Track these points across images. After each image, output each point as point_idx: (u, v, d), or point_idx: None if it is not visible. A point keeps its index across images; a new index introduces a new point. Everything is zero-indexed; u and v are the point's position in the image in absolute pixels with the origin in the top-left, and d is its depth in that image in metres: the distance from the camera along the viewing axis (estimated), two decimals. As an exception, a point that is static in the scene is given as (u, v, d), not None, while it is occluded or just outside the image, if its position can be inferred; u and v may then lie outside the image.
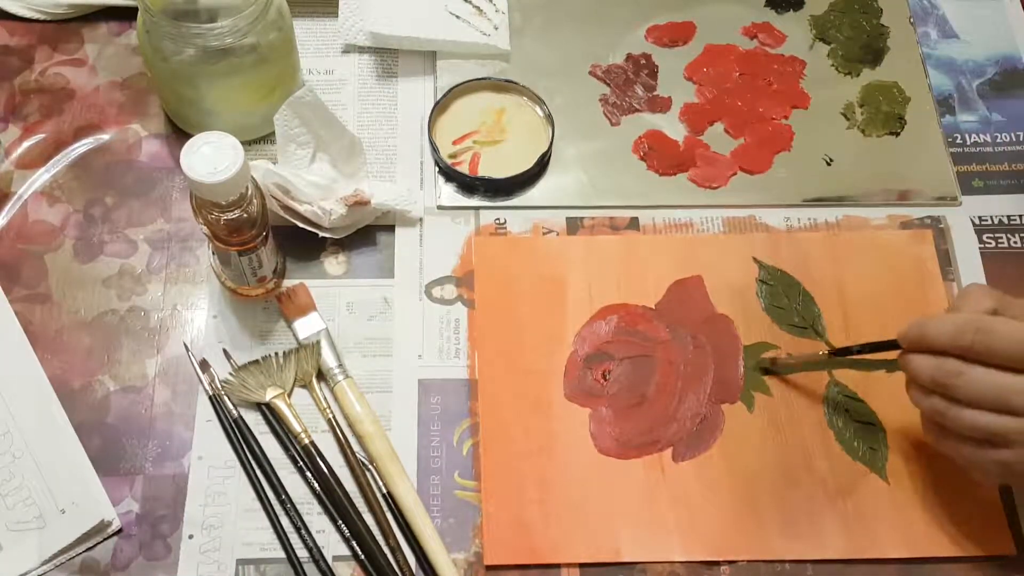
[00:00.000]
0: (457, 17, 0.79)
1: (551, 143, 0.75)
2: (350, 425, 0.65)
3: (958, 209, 0.74)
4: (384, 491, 0.63)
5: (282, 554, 0.61)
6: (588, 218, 0.73)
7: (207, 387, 0.66)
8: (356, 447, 0.64)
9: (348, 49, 0.80)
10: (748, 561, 0.62)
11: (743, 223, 0.73)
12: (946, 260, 0.72)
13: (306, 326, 0.68)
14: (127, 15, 0.79)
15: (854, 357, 0.65)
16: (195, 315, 0.69)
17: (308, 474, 0.63)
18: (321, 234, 0.70)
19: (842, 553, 0.62)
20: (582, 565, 0.62)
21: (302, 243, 0.70)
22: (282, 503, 0.63)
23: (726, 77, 0.79)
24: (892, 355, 0.60)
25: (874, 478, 0.64)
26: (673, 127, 0.77)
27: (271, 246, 0.66)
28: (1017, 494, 0.64)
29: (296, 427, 0.64)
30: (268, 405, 0.65)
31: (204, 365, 0.67)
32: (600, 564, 0.62)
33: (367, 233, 0.72)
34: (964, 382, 0.54)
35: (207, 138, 0.58)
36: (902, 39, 0.82)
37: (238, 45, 0.67)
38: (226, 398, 0.65)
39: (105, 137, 0.75)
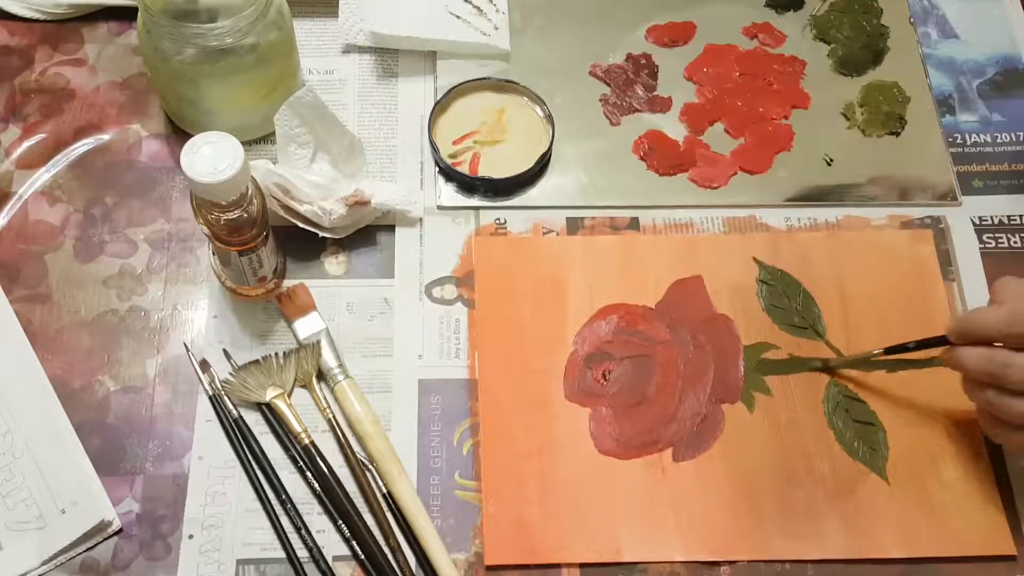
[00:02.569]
0: (457, 17, 0.79)
1: (551, 143, 0.75)
2: (350, 425, 0.65)
3: (958, 209, 0.74)
4: (384, 491, 0.63)
5: (282, 554, 0.61)
6: (588, 218, 0.73)
7: (207, 387, 0.66)
8: (356, 447, 0.64)
9: (348, 49, 0.80)
10: (748, 561, 0.62)
11: (743, 223, 0.73)
12: (946, 260, 0.72)
13: (306, 326, 0.68)
14: (127, 15, 0.79)
15: (908, 356, 0.65)
16: (195, 315, 0.69)
17: (308, 474, 0.63)
18: (321, 234, 0.70)
19: (842, 553, 0.62)
20: (582, 565, 0.62)
21: (302, 243, 0.70)
22: (282, 503, 0.63)
23: (726, 77, 0.79)
24: (934, 352, 0.61)
25: (874, 478, 0.64)
26: (673, 127, 0.77)
27: (271, 246, 0.66)
28: (1017, 494, 0.64)
29: (296, 427, 0.64)
30: (268, 405, 0.65)
31: (204, 365, 0.67)
32: (600, 564, 0.62)
33: (367, 233, 0.72)
34: (1014, 372, 0.55)
35: (207, 138, 0.58)
36: (902, 39, 0.82)
37: (238, 45, 0.67)
38: (226, 398, 0.65)
39: (105, 137, 0.75)
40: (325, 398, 0.66)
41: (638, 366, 0.68)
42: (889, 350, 0.64)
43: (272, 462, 0.64)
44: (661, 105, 0.78)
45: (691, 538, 0.63)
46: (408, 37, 0.78)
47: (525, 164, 0.73)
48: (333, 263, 0.71)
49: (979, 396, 0.58)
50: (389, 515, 0.63)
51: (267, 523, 0.62)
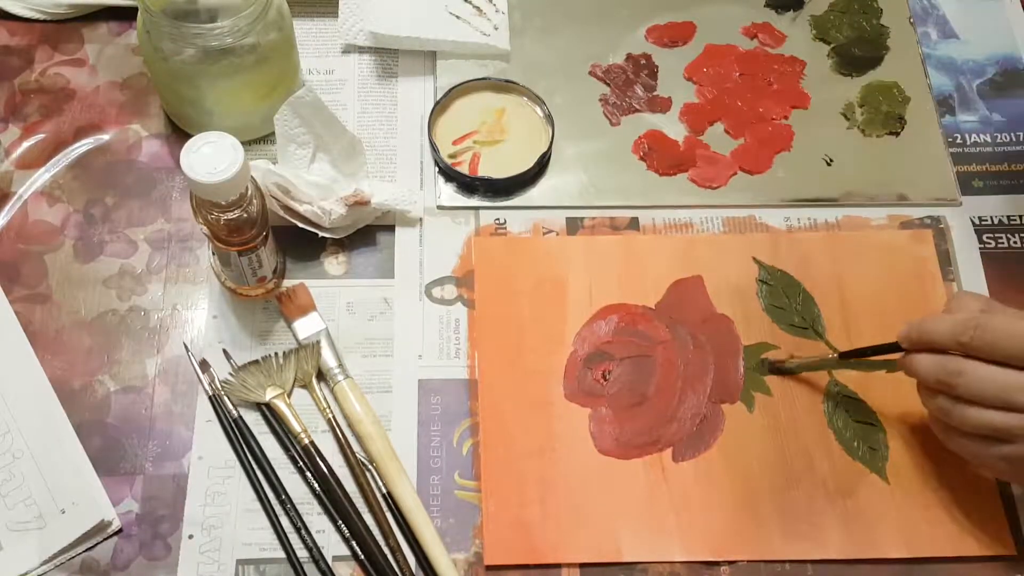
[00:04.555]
0: (457, 17, 0.79)
1: (551, 143, 0.75)
2: (350, 425, 0.65)
3: (958, 209, 0.74)
4: (384, 491, 0.63)
5: (282, 554, 0.61)
6: (588, 218, 0.73)
7: (207, 387, 0.66)
8: (356, 447, 0.64)
9: (348, 49, 0.80)
10: (748, 561, 0.62)
11: (743, 223, 0.73)
12: (946, 260, 0.72)
13: (306, 326, 0.68)
14: (127, 15, 0.79)
15: (860, 360, 0.65)
16: (195, 315, 0.69)
17: (308, 474, 0.63)
18: (321, 234, 0.70)
19: (842, 553, 0.62)
20: (582, 565, 0.62)
21: (302, 243, 0.70)
22: (282, 503, 0.63)
23: (726, 77, 0.79)
24: (896, 356, 0.60)
25: (874, 478, 0.64)
26: (673, 127, 0.77)
27: (271, 246, 0.66)
28: (1017, 494, 0.64)
29: (296, 427, 0.64)
30: (268, 405, 0.65)
31: (204, 365, 0.67)
32: (600, 564, 0.62)
33: (367, 233, 0.72)
34: (965, 381, 0.55)
35: (207, 138, 0.58)
36: (902, 39, 0.82)
37: (238, 45, 0.67)
38: (226, 398, 0.65)
39: (105, 137, 0.75)
40: (325, 398, 0.66)
41: (638, 366, 0.68)
42: (844, 355, 0.64)
43: (272, 462, 0.64)
44: (661, 105, 0.78)
45: (691, 538, 0.63)
46: (408, 37, 0.78)
47: (525, 164, 0.73)
48: (333, 263, 0.71)
49: (931, 403, 0.58)
50: (389, 515, 0.63)
51: (267, 523, 0.62)
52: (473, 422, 0.66)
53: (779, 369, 0.67)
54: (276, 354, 0.66)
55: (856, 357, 0.64)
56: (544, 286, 0.70)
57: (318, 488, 0.63)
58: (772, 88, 0.79)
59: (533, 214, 0.73)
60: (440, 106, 0.76)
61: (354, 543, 0.61)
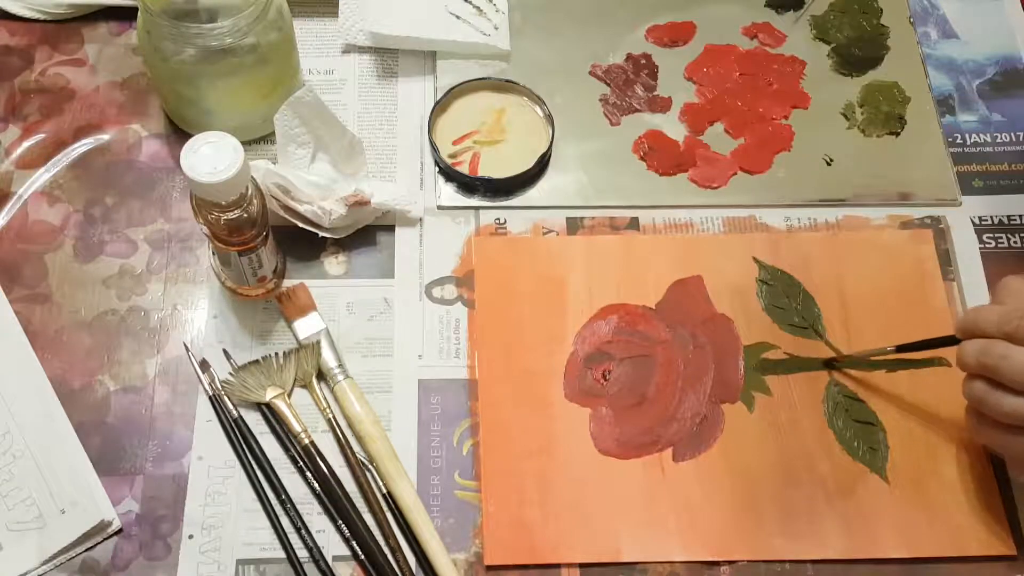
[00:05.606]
0: (457, 17, 0.79)
1: (551, 143, 0.75)
2: (350, 425, 0.65)
3: (958, 209, 0.74)
4: (384, 491, 0.63)
5: (282, 554, 0.61)
6: (588, 218, 0.73)
7: (207, 387, 0.66)
8: (356, 447, 0.64)
9: (348, 49, 0.80)
10: (748, 561, 0.62)
11: (743, 223, 0.73)
12: (946, 260, 0.72)
13: (306, 326, 0.68)
14: (127, 15, 0.79)
15: (914, 355, 0.66)
16: (195, 315, 0.69)
17: (308, 474, 0.63)
18: (321, 234, 0.70)
19: (842, 553, 0.62)
20: (582, 565, 0.62)
21: (302, 243, 0.71)
22: (282, 503, 0.63)
23: (726, 77, 0.79)
24: (936, 352, 0.61)
25: (874, 478, 0.64)
26: (673, 127, 0.77)
27: (271, 246, 0.66)
28: (1017, 494, 0.64)
29: (296, 427, 0.64)
30: (268, 405, 0.65)
31: (204, 365, 0.67)
32: (600, 564, 0.62)
33: (367, 233, 0.72)
34: (1008, 364, 0.55)
35: (207, 138, 0.58)
36: (902, 39, 0.82)
37: (238, 45, 0.67)
38: (226, 398, 0.65)
39: (105, 137, 0.75)
40: (325, 398, 0.66)
41: (638, 366, 0.68)
42: (902, 347, 0.64)
43: (272, 462, 0.64)
44: (661, 105, 0.78)
45: (691, 538, 0.63)
46: (408, 37, 0.78)
47: (525, 164, 0.73)
48: (333, 263, 0.71)
49: (969, 388, 0.58)
50: (389, 515, 0.63)
51: (267, 523, 0.62)
52: (473, 422, 0.66)
53: (834, 366, 0.67)
54: (276, 354, 0.66)
55: (914, 350, 0.64)
56: (544, 286, 0.70)
57: (318, 488, 0.63)
58: (772, 88, 0.79)
59: (533, 214, 0.73)
60: (440, 106, 0.76)
61: (354, 543, 0.61)
